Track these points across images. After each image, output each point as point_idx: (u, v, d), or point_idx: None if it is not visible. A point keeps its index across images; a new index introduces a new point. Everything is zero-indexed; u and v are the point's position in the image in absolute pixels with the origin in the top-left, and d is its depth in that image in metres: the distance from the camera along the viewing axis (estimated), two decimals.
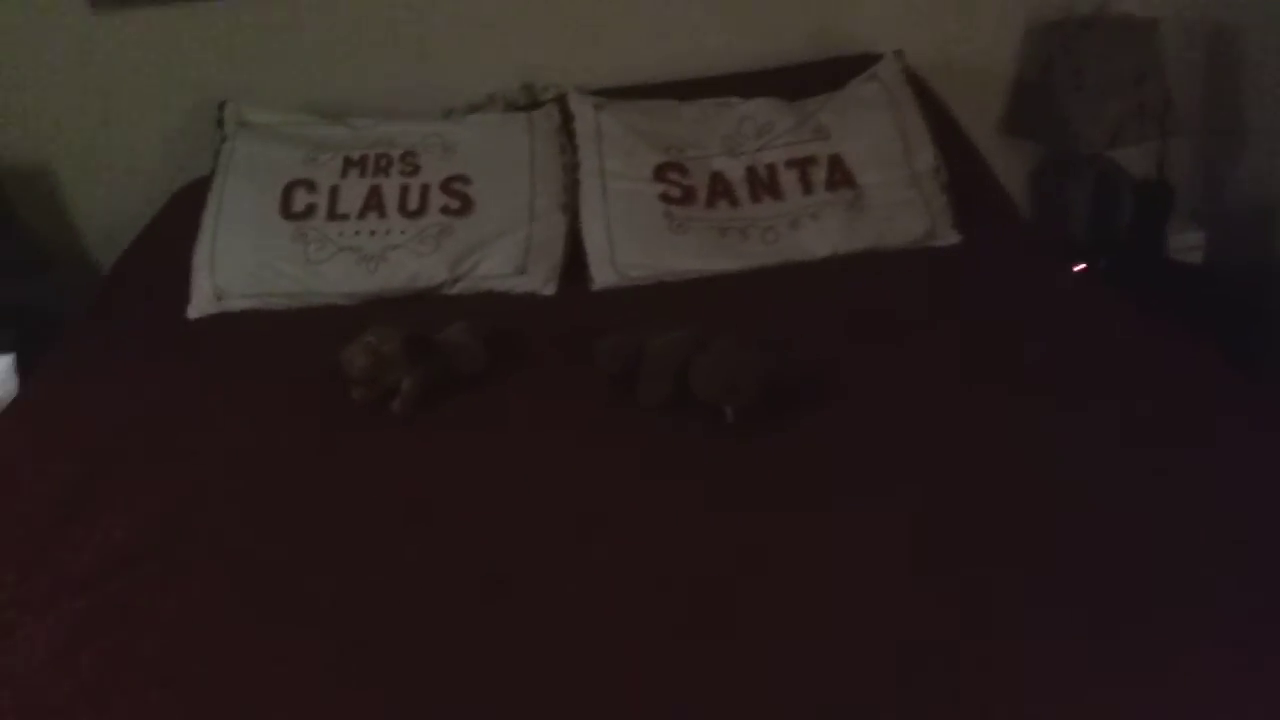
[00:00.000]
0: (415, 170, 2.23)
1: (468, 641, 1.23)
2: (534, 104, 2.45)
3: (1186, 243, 2.57)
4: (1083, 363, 1.68)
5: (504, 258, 2.15)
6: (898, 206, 2.15)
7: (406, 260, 2.14)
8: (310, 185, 2.22)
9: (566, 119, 2.34)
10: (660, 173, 2.20)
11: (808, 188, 2.17)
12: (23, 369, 2.28)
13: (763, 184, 2.19)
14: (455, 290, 2.15)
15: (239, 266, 2.15)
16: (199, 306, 2.15)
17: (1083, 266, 2.27)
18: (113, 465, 1.64)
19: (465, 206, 2.19)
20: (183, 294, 2.16)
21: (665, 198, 2.16)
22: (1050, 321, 1.83)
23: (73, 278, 2.51)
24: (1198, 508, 1.33)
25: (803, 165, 2.19)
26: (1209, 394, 1.58)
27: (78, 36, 2.41)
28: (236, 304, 2.14)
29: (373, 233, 2.17)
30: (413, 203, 2.19)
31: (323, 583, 1.35)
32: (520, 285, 2.14)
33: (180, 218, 2.30)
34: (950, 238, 2.13)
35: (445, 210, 2.18)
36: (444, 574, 1.34)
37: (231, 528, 1.46)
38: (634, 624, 1.22)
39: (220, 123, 2.36)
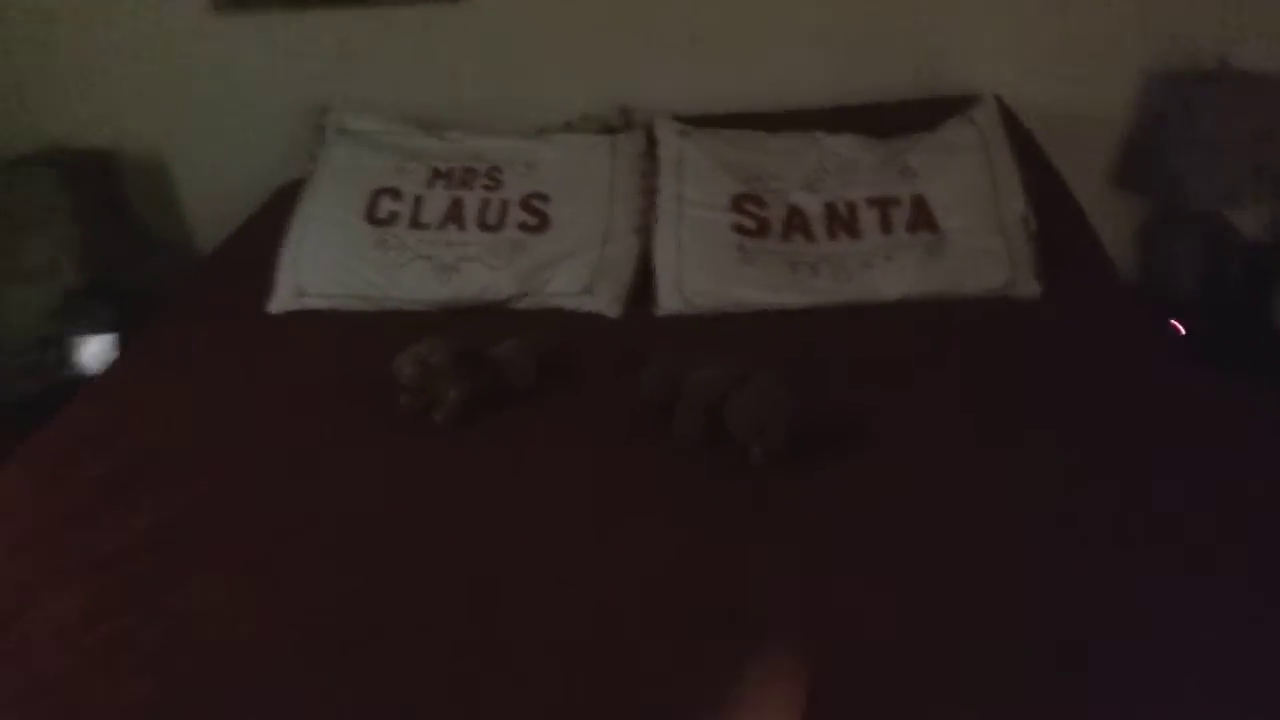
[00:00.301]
0: (498, 185, 2.27)
1: (456, 650, 1.24)
2: (628, 126, 2.47)
3: None
4: (1144, 436, 1.58)
5: (573, 276, 2.16)
6: (979, 253, 2.07)
7: (479, 272, 2.17)
8: (396, 193, 2.27)
9: (652, 144, 2.34)
10: (737, 203, 2.17)
11: (887, 228, 2.12)
12: (124, 347, 2.41)
13: (841, 221, 2.14)
14: (523, 305, 2.17)
15: (321, 266, 2.22)
16: (280, 302, 2.22)
17: (1179, 328, 2.15)
18: (162, 451, 1.71)
19: (542, 224, 2.21)
20: (268, 288, 2.24)
21: (739, 228, 2.14)
22: (1123, 386, 1.73)
23: (179, 264, 2.63)
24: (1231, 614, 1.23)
25: (884, 205, 2.14)
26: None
27: (198, 36, 2.54)
28: (316, 302, 2.20)
29: (450, 243, 2.20)
30: (492, 217, 2.22)
31: (329, 585, 1.37)
32: (586, 304, 2.14)
33: (277, 214, 2.38)
34: (1032, 289, 2.04)
35: (522, 226, 2.21)
36: (440, 581, 1.35)
37: (253, 523, 1.51)
38: (608, 649, 1.22)
39: (321, 127, 2.44)
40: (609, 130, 2.45)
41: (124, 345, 2.40)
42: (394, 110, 2.50)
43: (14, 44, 2.56)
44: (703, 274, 2.11)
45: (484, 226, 2.22)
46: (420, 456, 1.67)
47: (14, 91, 2.60)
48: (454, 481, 1.60)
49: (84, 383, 2.14)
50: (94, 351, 2.50)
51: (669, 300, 2.11)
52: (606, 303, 2.13)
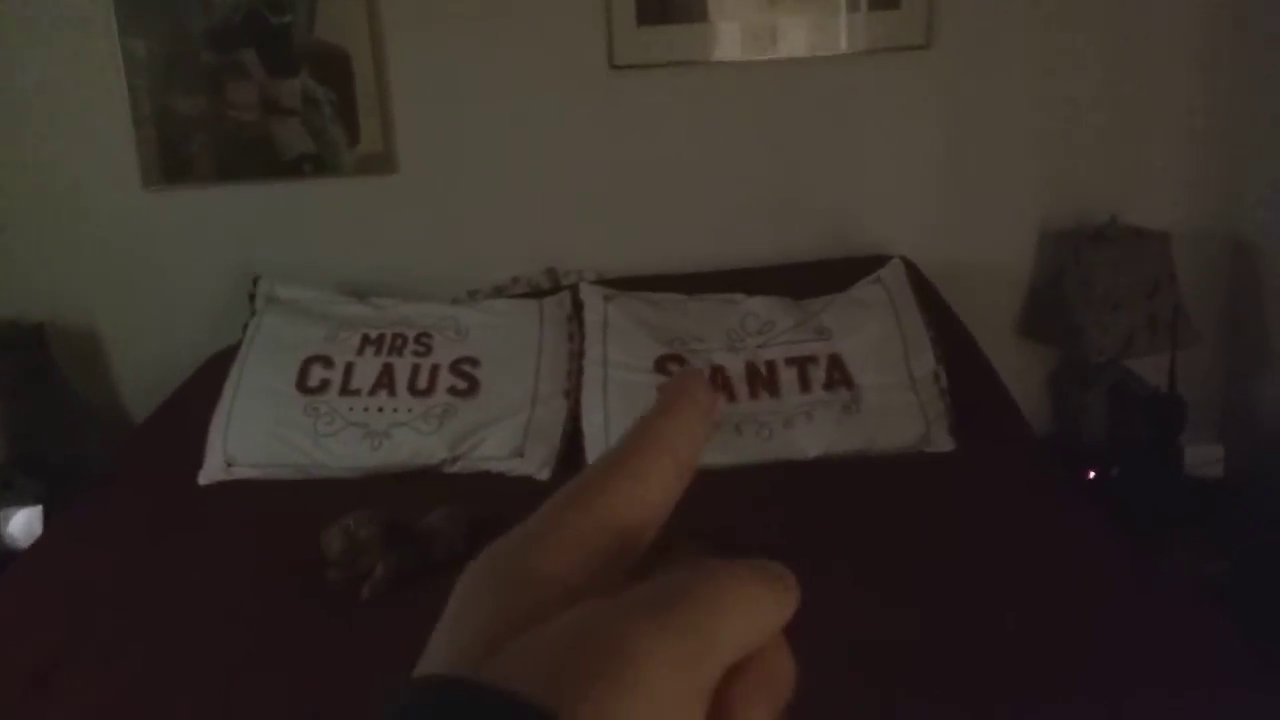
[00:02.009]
0: (428, 350, 2.32)
1: None
2: (556, 287, 2.55)
3: (1205, 456, 2.52)
4: (1042, 587, 1.64)
5: (503, 440, 2.20)
6: (893, 410, 2.16)
7: (409, 438, 2.20)
8: (327, 361, 2.31)
9: (578, 307, 2.42)
10: (661, 364, 2.25)
11: (805, 386, 2.20)
12: (51, 520, 2.38)
13: (762, 380, 2.22)
14: (454, 469, 2.20)
15: (251, 436, 2.24)
16: (209, 473, 2.22)
17: (1092, 475, 2.24)
18: (90, 633, 1.69)
19: (471, 388, 2.26)
20: (198, 459, 2.25)
21: None
22: (1031, 536, 1.80)
23: (110, 433, 2.63)
24: None
25: (802, 364, 2.23)
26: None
27: (128, 210, 2.60)
28: (245, 472, 2.21)
29: (380, 409, 2.24)
30: (422, 382, 2.27)
31: None
32: (517, 468, 2.18)
33: (207, 384, 2.40)
34: (945, 444, 2.12)
35: (452, 390, 2.26)
36: None
37: (181, 707, 1.49)
38: None
39: (252, 297, 2.49)
40: (538, 292, 2.54)
41: (51, 518, 2.38)
42: (325, 277, 2.56)
43: None
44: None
45: (414, 392, 2.26)
46: (350, 632, 1.67)
47: None
48: (386, 657, 1.59)
49: (9, 561, 2.11)
50: (20, 524, 2.47)
51: None
52: (537, 465, 2.17)
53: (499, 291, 2.58)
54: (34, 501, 2.47)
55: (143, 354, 2.68)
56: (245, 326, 2.43)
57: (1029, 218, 2.63)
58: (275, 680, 1.55)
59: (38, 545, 2.11)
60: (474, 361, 2.31)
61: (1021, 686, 1.42)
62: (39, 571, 1.95)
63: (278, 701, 1.50)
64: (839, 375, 2.20)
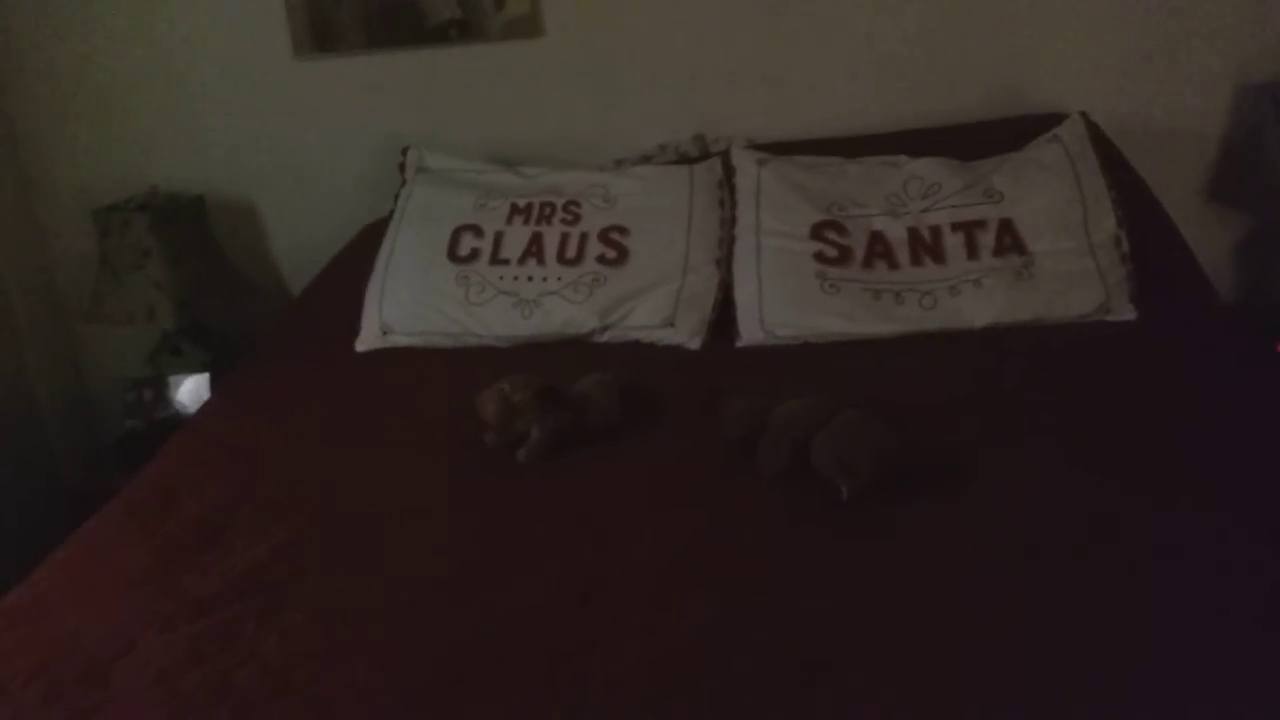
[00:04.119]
0: (576, 219, 2.27)
1: (550, 693, 1.23)
2: (705, 155, 2.46)
3: None
4: (1250, 465, 1.51)
5: (653, 309, 2.15)
6: (1070, 277, 2.02)
7: (559, 307, 2.17)
8: (477, 230, 2.29)
9: (729, 173, 2.32)
10: (817, 231, 2.15)
11: (973, 252, 2.07)
12: (216, 387, 2.47)
13: (925, 246, 2.10)
14: (604, 339, 2.17)
15: (405, 305, 2.25)
16: (366, 341, 2.25)
17: None
18: (256, 491, 1.74)
19: (621, 257, 2.21)
20: (354, 327, 2.27)
21: (820, 257, 2.11)
22: (1225, 413, 1.66)
23: (268, 305, 2.69)
24: None
25: (970, 229, 2.10)
26: None
27: (281, 81, 2.60)
28: (400, 340, 2.23)
29: (530, 278, 2.22)
30: (571, 251, 2.23)
31: (421, 627, 1.38)
32: (667, 338, 2.13)
33: (362, 254, 2.42)
34: (1126, 313, 1.98)
35: (601, 259, 2.21)
36: (529, 623, 1.35)
37: (343, 563, 1.52)
38: (691, 691, 1.20)
39: (402, 167, 2.48)
40: (686, 160, 2.45)
41: (216, 385, 2.46)
42: (473, 147, 2.53)
43: (107, 94, 2.66)
44: (784, 305, 2.09)
45: (564, 261, 2.23)
46: (506, 495, 1.67)
47: (108, 140, 2.69)
48: (540, 520, 1.60)
49: (177, 424, 2.20)
50: (190, 392, 2.57)
51: (750, 332, 2.10)
52: (687, 335, 2.12)
53: (646, 160, 2.50)
54: (201, 369, 2.57)
55: (298, 225, 2.71)
56: (396, 197, 2.43)
57: (1221, 69, 2.38)
58: (432, 541, 1.56)
59: (205, 410, 2.18)
60: (623, 230, 2.25)
61: (1218, 564, 1.32)
62: (207, 434, 2.01)
63: (434, 562, 1.51)
64: (1010, 241, 2.07)
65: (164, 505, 1.73)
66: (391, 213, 2.41)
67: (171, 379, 2.58)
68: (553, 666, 1.27)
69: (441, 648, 1.33)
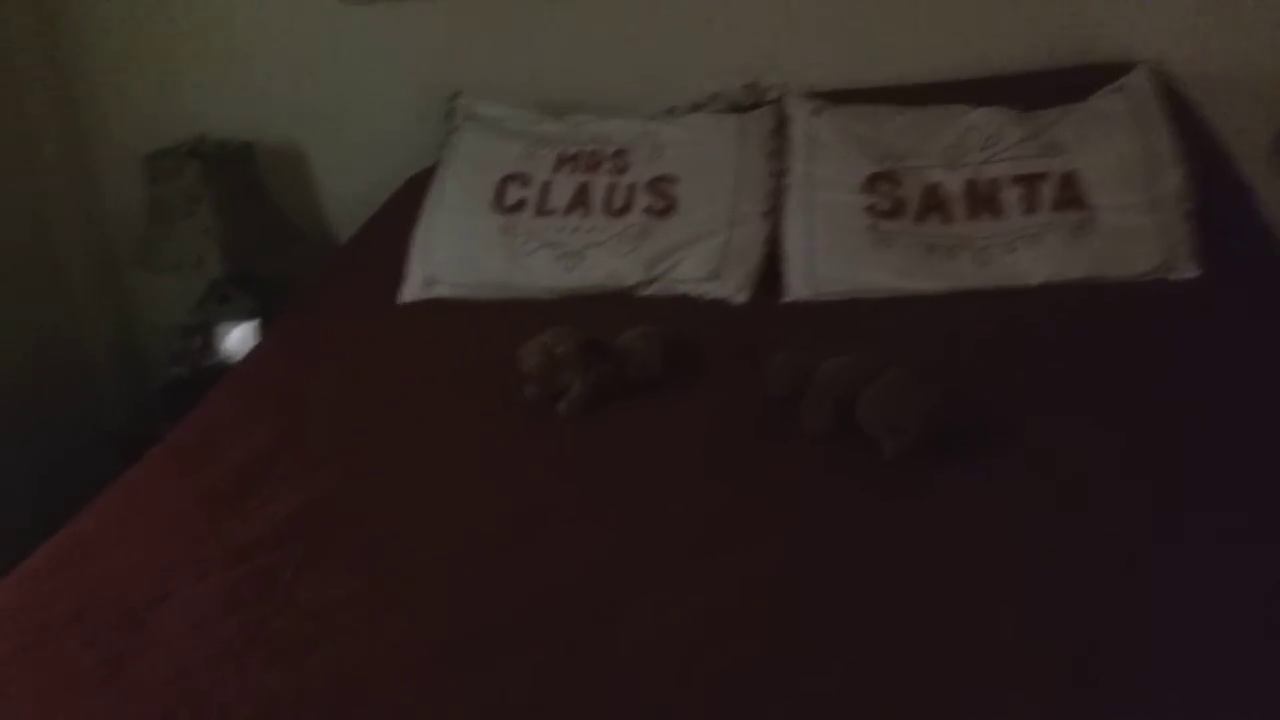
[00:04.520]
0: (624, 168, 2.23)
1: (586, 648, 1.22)
2: (756, 104, 2.40)
3: None
4: None
5: (700, 261, 2.11)
6: (1131, 233, 1.94)
7: (604, 259, 2.14)
8: (524, 180, 2.26)
9: (782, 122, 2.27)
10: (871, 183, 2.09)
11: (1032, 207, 2.00)
12: (263, 334, 2.48)
13: (982, 200, 2.04)
14: (649, 292, 2.13)
15: (449, 255, 2.23)
16: (410, 291, 2.24)
17: None
18: (298, 439, 1.74)
19: (669, 207, 2.17)
20: (399, 277, 2.26)
21: (872, 210, 2.06)
22: None
23: (315, 253, 2.69)
24: None
25: (1029, 182, 2.02)
26: None
27: (329, 27, 2.58)
28: (444, 291, 2.22)
29: (576, 229, 2.19)
30: (618, 201, 2.20)
31: (459, 578, 1.37)
32: (712, 291, 2.09)
33: (409, 203, 2.40)
34: (1188, 271, 1.90)
35: (648, 210, 2.17)
36: (566, 576, 1.34)
37: (381, 513, 1.52)
38: (730, 651, 1.19)
39: (450, 114, 2.45)
40: (738, 108, 2.39)
41: (263, 333, 2.47)
42: (522, 94, 2.49)
43: (158, 41, 2.65)
44: (834, 259, 2.04)
45: (610, 212, 2.19)
46: (546, 447, 1.66)
47: (154, 86, 2.69)
48: (580, 473, 1.58)
49: (225, 371, 2.21)
50: (237, 339, 2.58)
51: (798, 286, 2.05)
52: (733, 289, 2.08)
53: (698, 108, 2.44)
54: (248, 317, 2.58)
55: (345, 174, 2.70)
56: (444, 145, 2.40)
57: None
58: (472, 493, 1.55)
59: (250, 357, 2.19)
60: (672, 180, 2.20)
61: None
62: (251, 382, 2.02)
63: (473, 514, 1.50)
64: (1071, 195, 1.99)
65: (207, 452, 1.74)
66: (439, 161, 2.39)
67: (219, 327, 2.59)
68: (589, 621, 1.26)
69: (478, 599, 1.32)
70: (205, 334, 2.59)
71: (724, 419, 1.67)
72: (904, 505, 1.41)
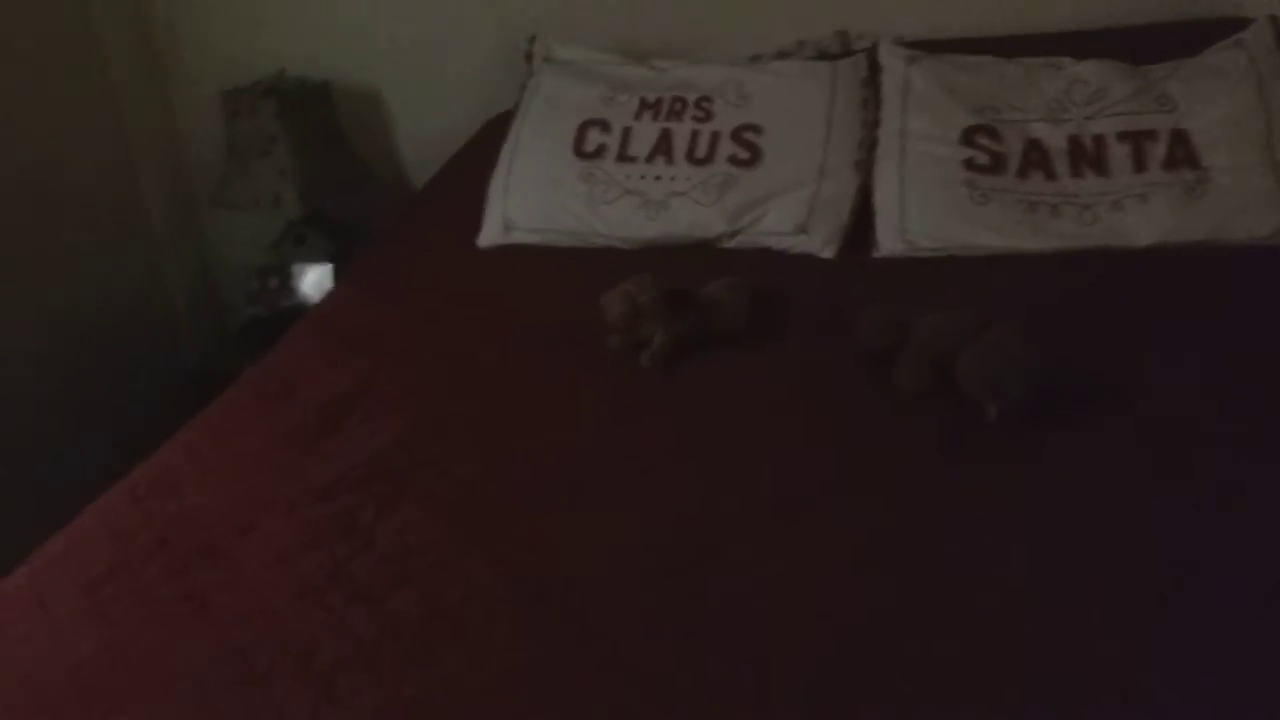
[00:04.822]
0: (708, 116, 2.17)
1: (664, 606, 1.19)
2: (846, 53, 2.31)
3: None
4: None
5: (786, 214, 2.05)
6: (1249, 195, 1.84)
7: (687, 209, 2.09)
8: (604, 125, 2.21)
9: (875, 71, 2.18)
10: (969, 136, 2.00)
11: (1140, 165, 1.91)
12: (339, 277, 2.46)
13: (1087, 157, 1.94)
14: (732, 244, 2.08)
15: (528, 201, 2.19)
16: (488, 236, 2.20)
17: None
18: (377, 381, 1.73)
19: (754, 157, 2.11)
20: (477, 222, 2.22)
21: (970, 164, 1.97)
22: None
23: (392, 196, 2.66)
24: None
25: (1138, 139, 1.93)
26: None
27: None
28: (523, 237, 2.17)
29: (658, 178, 2.13)
30: (701, 150, 2.13)
31: (536, 525, 1.34)
32: (799, 245, 2.03)
33: (487, 147, 2.35)
34: None
35: (733, 160, 2.11)
36: (648, 532, 1.30)
37: (461, 457, 1.49)
38: (814, 622, 1.14)
39: (529, 57, 2.40)
40: (826, 57, 2.31)
41: (339, 276, 2.46)
42: (603, 37, 2.42)
43: None
44: (928, 214, 1.97)
45: (693, 160, 2.13)
46: (629, 400, 1.62)
47: (233, 23, 2.67)
48: (663, 427, 1.54)
49: (303, 311, 2.20)
50: (313, 281, 2.57)
51: (889, 242, 1.98)
52: (821, 243, 2.01)
53: (784, 56, 2.36)
54: (324, 259, 2.56)
55: (423, 115, 2.66)
56: (523, 87, 2.35)
57: None
58: (551, 441, 1.52)
59: (328, 299, 2.18)
60: (757, 129, 2.13)
61: None
62: (330, 323, 2.00)
63: (553, 462, 1.47)
64: (1182, 154, 1.89)
65: (287, 391, 1.73)
66: (518, 105, 2.34)
67: (295, 268, 2.58)
68: (669, 574, 1.23)
69: (557, 548, 1.30)
70: (282, 275, 2.57)
71: (813, 374, 1.62)
72: (1006, 470, 1.35)
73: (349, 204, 2.62)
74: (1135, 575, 1.15)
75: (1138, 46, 2.08)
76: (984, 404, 1.41)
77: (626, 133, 2.19)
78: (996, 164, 1.96)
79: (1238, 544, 1.18)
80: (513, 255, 2.15)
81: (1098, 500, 1.28)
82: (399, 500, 1.40)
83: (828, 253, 2.01)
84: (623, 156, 2.17)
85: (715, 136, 2.14)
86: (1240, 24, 2.05)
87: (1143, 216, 1.86)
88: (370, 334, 1.90)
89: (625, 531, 1.31)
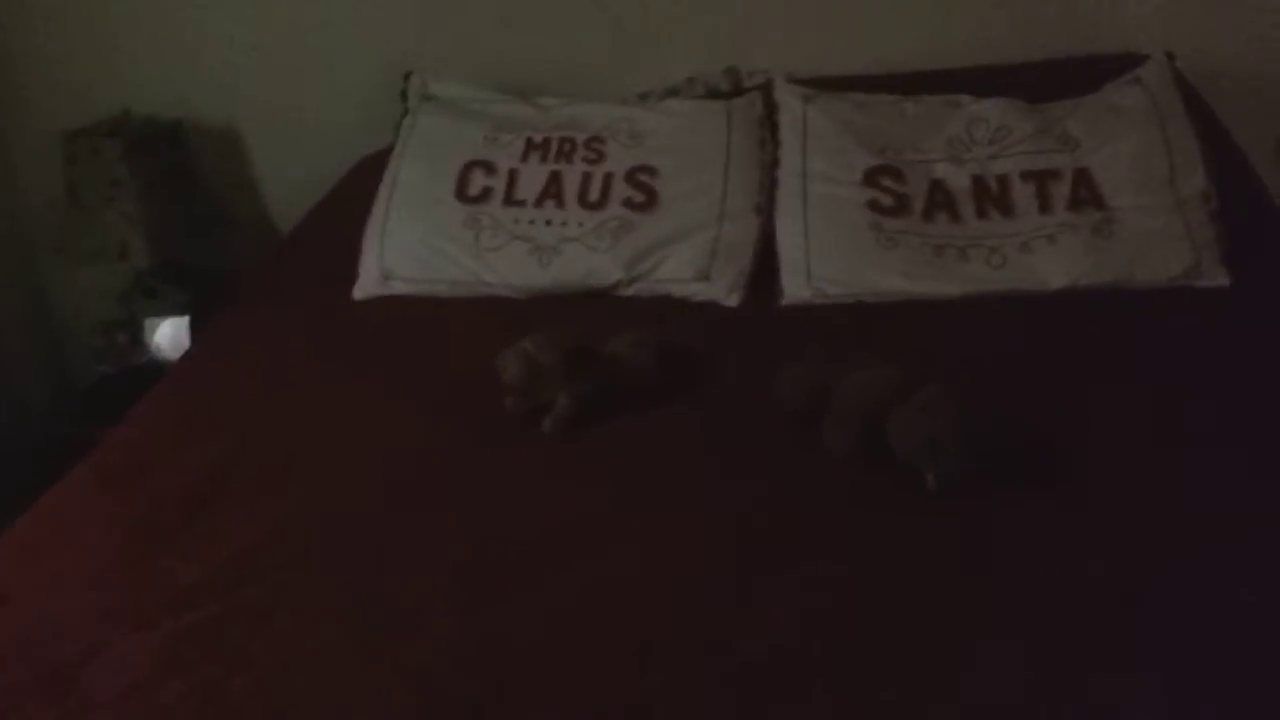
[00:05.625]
0: (600, 158, 2.05)
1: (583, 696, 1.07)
2: (737, 91, 2.23)
3: None
4: None
5: (686, 260, 1.95)
6: (1155, 235, 1.82)
7: (581, 255, 1.97)
8: (489, 167, 2.07)
9: (770, 110, 2.10)
10: (871, 177, 1.94)
11: (1046, 205, 1.87)
12: (195, 330, 2.26)
13: (992, 197, 1.90)
14: (630, 292, 1.96)
15: (408, 248, 2.04)
16: (364, 287, 2.04)
17: None
18: (243, 459, 1.54)
19: (649, 201, 2.00)
20: (351, 271, 2.06)
21: (874, 206, 1.91)
22: None
23: (254, 243, 2.46)
24: None
25: (1042, 178, 1.89)
26: None
27: None
28: (403, 287, 2.02)
29: (549, 223, 2.01)
30: (594, 193, 2.02)
31: (440, 626, 1.18)
32: (701, 293, 1.92)
33: (359, 189, 2.20)
34: (1217, 278, 1.78)
35: (628, 203, 2.00)
36: (569, 623, 1.17)
37: (346, 548, 1.33)
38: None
39: (404, 94, 2.25)
40: (717, 95, 2.22)
41: (197, 329, 2.25)
42: (482, 73, 2.29)
43: (82, 3, 2.40)
44: (833, 258, 1.89)
45: (586, 204, 2.01)
46: (531, 471, 1.47)
47: (72, 57, 2.44)
48: (571, 499, 1.40)
49: (157, 373, 1.99)
50: (166, 335, 2.36)
51: (795, 288, 1.89)
52: (724, 291, 1.92)
53: (673, 94, 2.26)
54: (179, 312, 2.36)
55: (288, 156, 2.47)
56: (398, 127, 2.20)
57: None
58: (448, 523, 1.37)
59: (186, 361, 1.98)
60: (652, 171, 2.03)
61: None
62: (190, 390, 1.81)
63: (452, 548, 1.31)
64: (1087, 193, 1.86)
65: (138, 473, 1.53)
66: (393, 144, 2.18)
67: (147, 322, 2.36)
68: (595, 673, 1.10)
69: (467, 650, 1.15)
70: (131, 330, 2.35)
71: (731, 436, 1.51)
72: (949, 536, 1.26)
73: (206, 251, 2.42)
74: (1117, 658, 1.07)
75: (1035, 82, 2.06)
76: (920, 467, 1.31)
77: (513, 175, 2.06)
78: (901, 206, 1.90)
79: (1216, 619, 1.10)
80: (392, 307, 2.00)
81: (1057, 572, 1.19)
82: (277, 605, 1.22)
83: (732, 300, 1.91)
84: (510, 200, 2.04)
85: (608, 178, 2.03)
86: (1135, 60, 2.04)
87: (1052, 259, 1.81)
88: (234, 403, 1.71)
89: (542, 625, 1.17)
